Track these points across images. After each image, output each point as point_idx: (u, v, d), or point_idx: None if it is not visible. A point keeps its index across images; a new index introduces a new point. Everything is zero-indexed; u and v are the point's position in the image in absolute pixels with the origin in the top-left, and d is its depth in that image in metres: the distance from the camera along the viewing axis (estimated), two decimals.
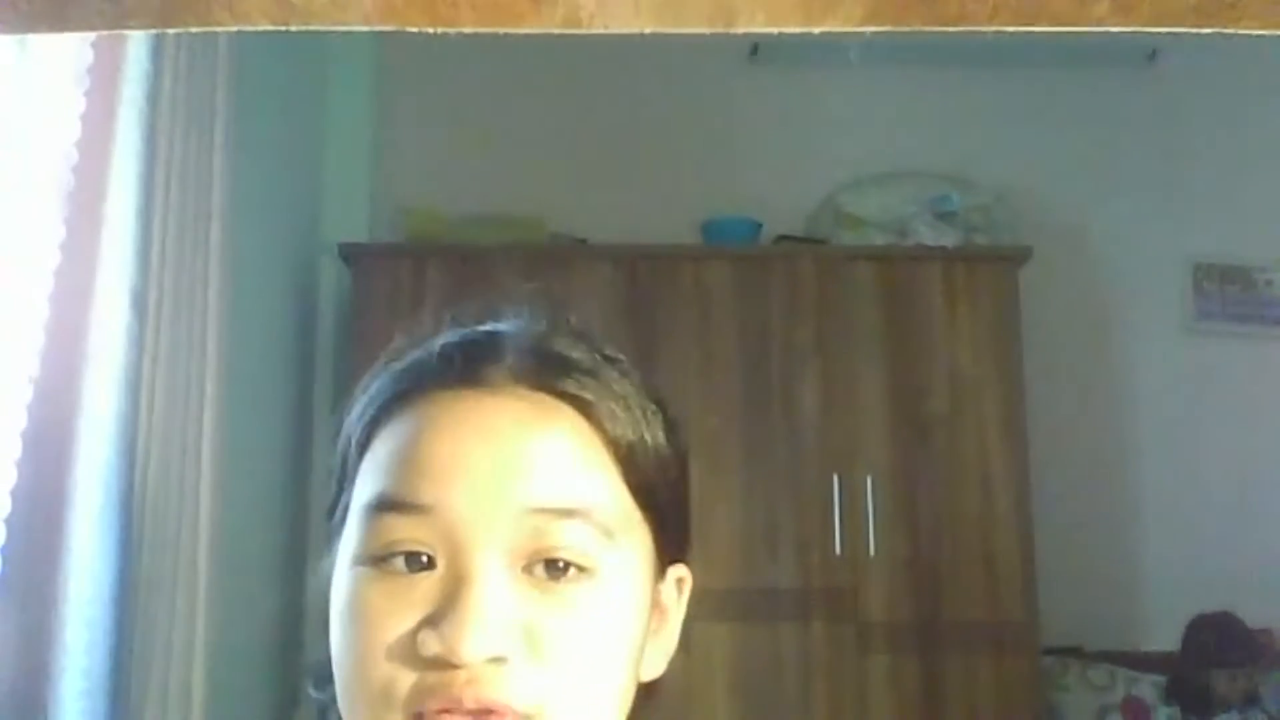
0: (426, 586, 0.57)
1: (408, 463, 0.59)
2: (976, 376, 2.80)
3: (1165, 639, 2.85)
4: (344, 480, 0.64)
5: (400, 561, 0.58)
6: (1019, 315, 2.84)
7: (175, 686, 1.70)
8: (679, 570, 0.68)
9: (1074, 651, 2.94)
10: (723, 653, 2.60)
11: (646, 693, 0.65)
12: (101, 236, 1.56)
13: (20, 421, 1.44)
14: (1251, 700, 2.73)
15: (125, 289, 1.60)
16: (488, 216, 3.01)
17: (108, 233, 1.57)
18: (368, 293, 2.78)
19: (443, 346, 0.63)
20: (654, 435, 0.64)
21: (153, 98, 1.68)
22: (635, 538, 0.62)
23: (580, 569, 0.58)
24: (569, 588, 0.58)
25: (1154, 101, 3.33)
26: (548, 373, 0.61)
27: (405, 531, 0.57)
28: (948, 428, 2.77)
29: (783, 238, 3.06)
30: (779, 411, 2.76)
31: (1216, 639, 2.74)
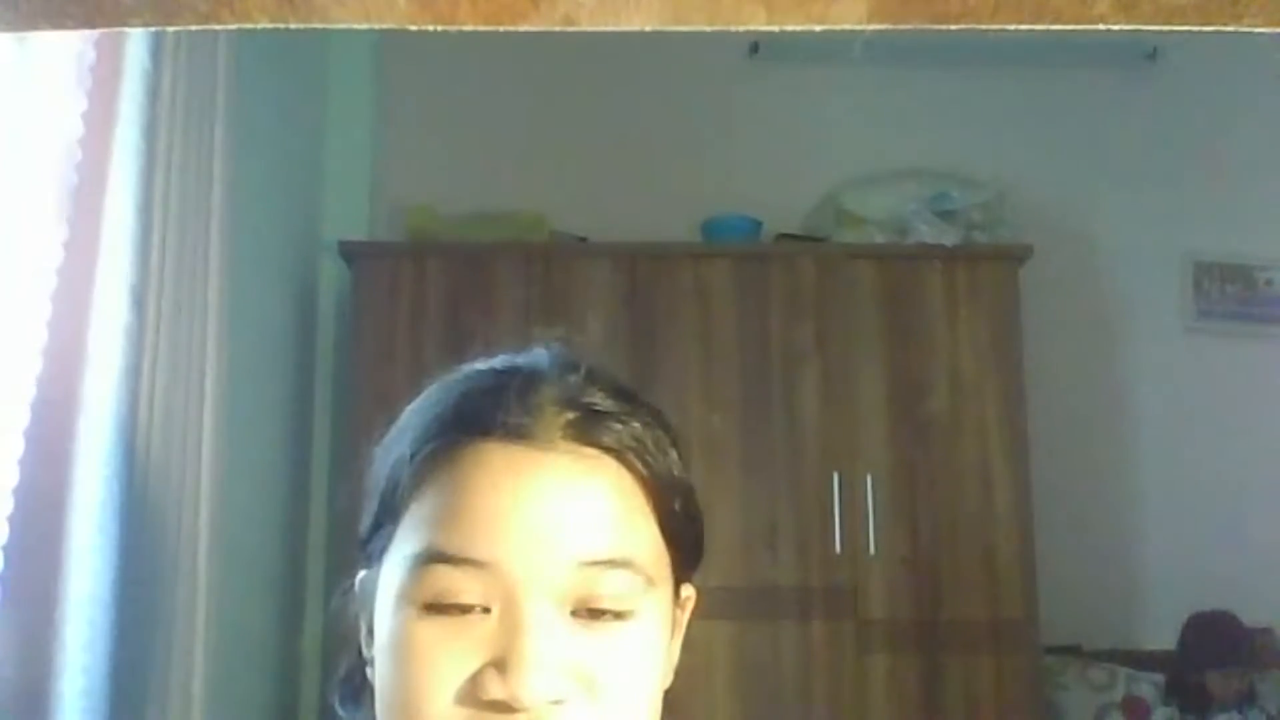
0: (482, 631, 0.60)
1: (460, 518, 0.62)
2: (976, 375, 2.80)
3: (1165, 638, 2.85)
4: (385, 515, 0.66)
5: (453, 608, 0.61)
6: (1019, 314, 2.84)
7: (175, 686, 1.70)
8: (687, 589, 0.72)
9: (1074, 650, 2.94)
10: (722, 651, 2.60)
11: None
12: (102, 235, 1.56)
13: (23, 419, 1.44)
14: (1249, 699, 2.73)
15: (125, 287, 1.60)
16: (488, 215, 3.01)
17: (108, 231, 1.57)
18: (368, 291, 2.78)
19: (488, 397, 0.65)
20: (674, 468, 0.68)
21: (153, 96, 1.68)
22: (665, 575, 0.66)
23: (620, 613, 0.62)
24: (612, 629, 0.62)
25: (1154, 101, 3.33)
26: (589, 427, 0.64)
27: (458, 582, 0.61)
28: (948, 427, 2.77)
29: (783, 236, 3.06)
30: (779, 410, 2.76)
31: (1212, 639, 2.73)
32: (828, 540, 2.69)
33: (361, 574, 0.70)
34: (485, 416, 0.64)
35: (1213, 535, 3.09)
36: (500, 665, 0.59)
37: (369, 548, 0.68)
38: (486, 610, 0.61)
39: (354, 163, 3.11)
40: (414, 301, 2.76)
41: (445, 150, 3.20)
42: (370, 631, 0.67)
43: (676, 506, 0.67)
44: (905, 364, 2.80)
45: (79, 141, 1.53)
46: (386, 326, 2.74)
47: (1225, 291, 3.31)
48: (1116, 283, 3.29)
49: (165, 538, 1.70)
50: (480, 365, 0.70)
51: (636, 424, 0.66)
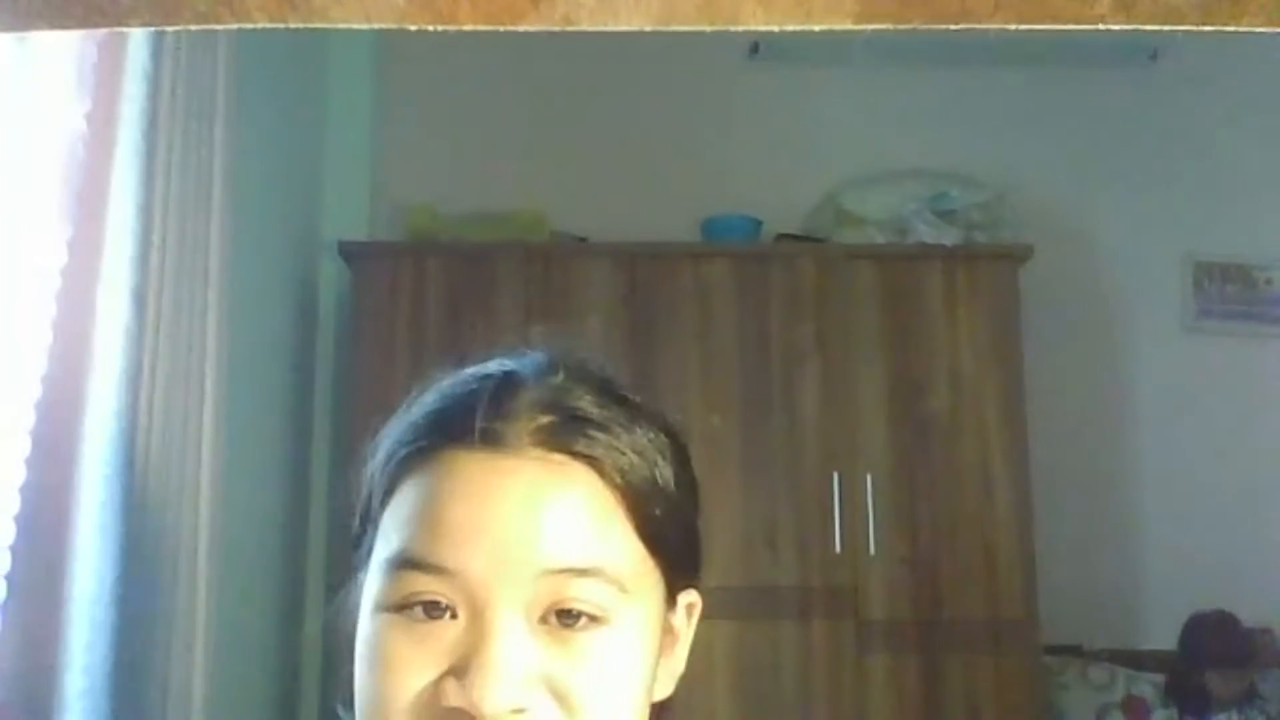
0: (449, 637, 0.60)
1: (428, 524, 0.62)
2: (976, 375, 2.80)
3: (1165, 638, 2.85)
4: (367, 522, 0.67)
5: (421, 610, 0.61)
6: (1019, 314, 2.84)
7: (176, 685, 1.70)
8: (689, 596, 0.71)
9: (1074, 650, 2.94)
10: (723, 650, 2.60)
11: (659, 711, 0.69)
12: (105, 235, 1.56)
13: (30, 419, 1.45)
14: (1249, 699, 2.73)
15: (127, 287, 1.60)
16: (488, 214, 3.01)
17: (110, 231, 1.57)
18: (368, 291, 2.78)
19: (462, 403, 0.64)
20: (664, 475, 0.67)
21: (153, 97, 1.68)
22: (647, 583, 0.65)
23: (594, 619, 0.61)
24: (584, 637, 0.61)
25: (1155, 101, 3.33)
26: (563, 432, 0.63)
27: (426, 588, 0.61)
28: (948, 427, 2.77)
29: (783, 236, 3.06)
30: (779, 410, 2.76)
31: (1212, 639, 2.73)
32: (828, 540, 2.69)
33: (360, 576, 0.70)
34: (457, 422, 0.63)
35: (1213, 535, 3.09)
36: (461, 673, 0.59)
37: (358, 551, 0.68)
38: (455, 617, 0.61)
39: (354, 163, 3.11)
40: (414, 301, 2.76)
41: (445, 150, 3.20)
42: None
43: (657, 513, 0.65)
44: (905, 364, 2.80)
45: (81, 141, 1.53)
46: (386, 326, 2.74)
47: (1225, 291, 3.31)
48: (1116, 283, 3.29)
49: (165, 538, 1.70)
50: (470, 369, 0.69)
51: (616, 428, 0.65)
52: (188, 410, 1.75)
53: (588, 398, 0.65)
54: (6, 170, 1.41)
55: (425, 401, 0.67)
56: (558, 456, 0.63)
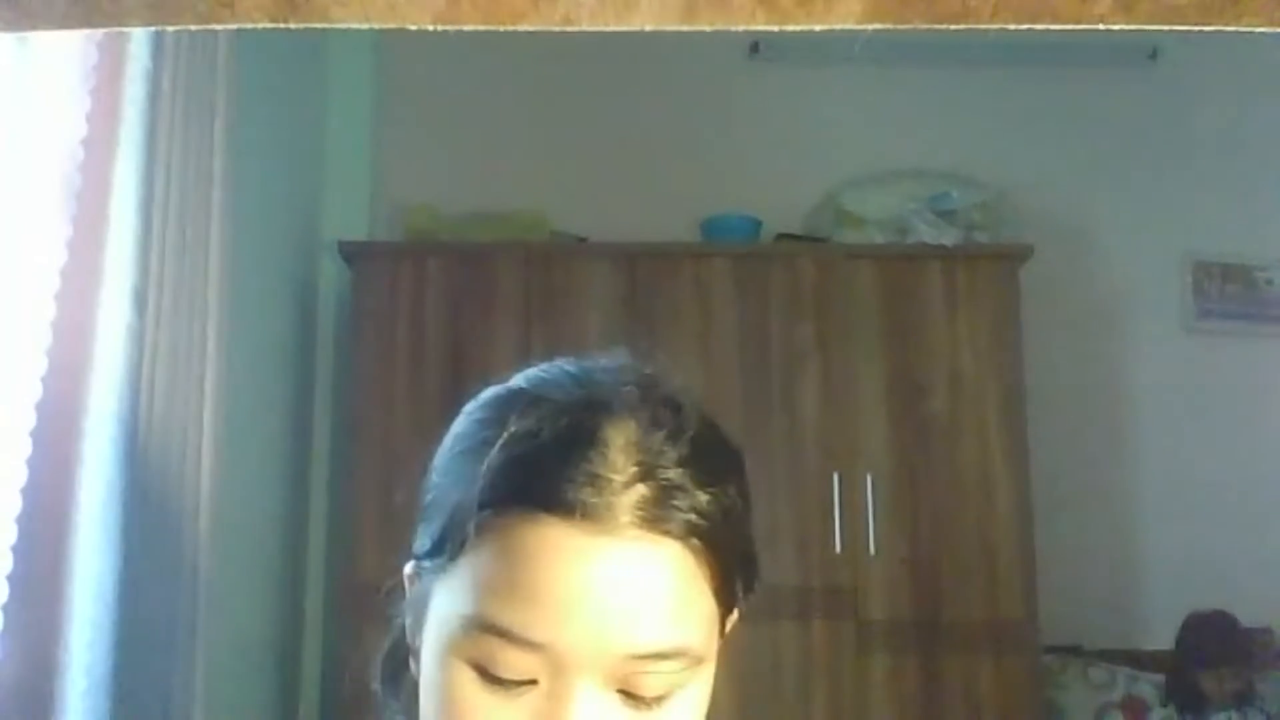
0: (528, 702, 0.62)
1: (519, 595, 0.62)
2: (976, 375, 2.80)
3: (1165, 638, 2.85)
4: (444, 547, 0.66)
5: (503, 679, 0.62)
6: (1019, 314, 2.84)
7: (176, 685, 1.70)
8: (733, 615, 0.73)
9: (1074, 650, 2.94)
10: (722, 650, 2.59)
11: None
12: (105, 235, 1.56)
13: (31, 420, 1.45)
14: (1248, 699, 2.73)
15: (127, 288, 1.60)
16: (487, 214, 3.01)
17: (111, 231, 1.57)
18: (368, 291, 2.78)
19: (553, 462, 0.63)
20: (737, 509, 0.67)
21: (153, 97, 1.68)
22: (715, 635, 0.68)
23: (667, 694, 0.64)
24: (656, 705, 0.64)
25: (1155, 101, 3.33)
26: (658, 509, 0.63)
27: (509, 656, 0.62)
28: (948, 427, 2.77)
29: (783, 236, 3.06)
30: (779, 410, 2.76)
31: (1209, 639, 2.73)
32: (828, 540, 2.69)
33: (409, 567, 0.71)
34: (549, 488, 0.62)
35: (1213, 535, 3.09)
36: None
37: (423, 562, 0.68)
38: (533, 681, 0.62)
39: (354, 163, 3.12)
40: (414, 301, 2.76)
41: (445, 150, 3.20)
42: (419, 625, 0.68)
43: (734, 564, 0.67)
44: (905, 364, 2.80)
45: (82, 142, 1.53)
46: (386, 326, 2.74)
47: (1225, 291, 3.31)
48: (1116, 283, 3.29)
49: (166, 537, 1.70)
50: (551, 399, 0.66)
51: (700, 492, 0.64)
52: (188, 410, 1.75)
53: (671, 453, 0.64)
54: (7, 171, 1.41)
55: (512, 439, 0.64)
56: (654, 536, 0.62)
